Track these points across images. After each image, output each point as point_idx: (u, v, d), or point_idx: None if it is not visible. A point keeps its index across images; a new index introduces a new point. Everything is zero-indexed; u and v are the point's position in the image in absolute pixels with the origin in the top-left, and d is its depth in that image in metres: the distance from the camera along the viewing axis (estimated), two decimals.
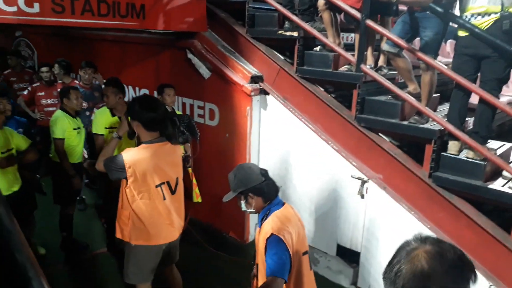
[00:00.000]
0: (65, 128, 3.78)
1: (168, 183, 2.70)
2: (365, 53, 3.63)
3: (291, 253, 2.01)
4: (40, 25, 3.63)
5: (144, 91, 5.24)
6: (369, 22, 3.33)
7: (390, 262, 1.11)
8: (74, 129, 3.86)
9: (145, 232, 2.66)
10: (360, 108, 3.51)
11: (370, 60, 3.73)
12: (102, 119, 3.81)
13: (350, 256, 3.80)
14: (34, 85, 5.54)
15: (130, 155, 2.56)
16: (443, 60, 4.38)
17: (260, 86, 4.11)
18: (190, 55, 4.42)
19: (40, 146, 4.04)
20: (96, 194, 5.21)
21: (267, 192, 2.15)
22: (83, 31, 5.65)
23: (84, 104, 4.47)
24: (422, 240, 1.10)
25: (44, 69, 5.44)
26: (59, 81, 5.40)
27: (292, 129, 3.98)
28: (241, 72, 4.12)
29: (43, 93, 5.34)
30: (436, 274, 1.02)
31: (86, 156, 4.49)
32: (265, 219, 2.14)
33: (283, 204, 2.21)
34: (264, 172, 2.20)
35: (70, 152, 3.88)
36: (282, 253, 1.98)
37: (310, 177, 3.94)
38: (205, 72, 4.36)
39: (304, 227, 2.29)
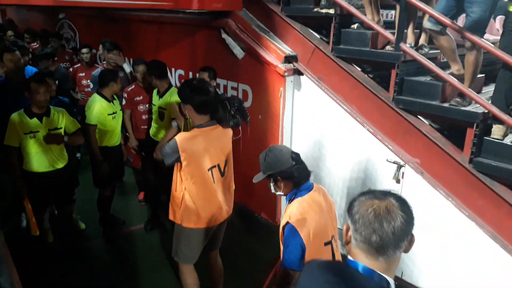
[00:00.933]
0: (100, 114, 3.78)
1: (218, 166, 2.72)
2: (406, 31, 3.45)
3: (305, 242, 1.96)
4: (80, 7, 3.71)
5: (179, 72, 5.28)
6: None
7: None
8: (110, 114, 3.86)
9: (196, 214, 2.70)
10: (399, 89, 3.36)
11: (410, 38, 3.55)
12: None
13: None
14: (75, 66, 5.73)
15: (183, 140, 2.59)
16: (491, 38, 4.09)
17: (294, 66, 4.02)
18: (224, 35, 4.39)
19: (81, 126, 4.16)
20: (133, 170, 5.37)
21: (297, 177, 2.10)
22: (122, 12, 5.74)
23: None
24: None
25: (84, 50, 5.60)
26: (103, 62, 5.52)
27: (326, 110, 3.88)
28: (275, 52, 4.05)
29: (83, 74, 5.50)
30: None
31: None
32: (289, 203, 2.11)
33: (311, 189, 2.14)
34: (295, 156, 2.15)
35: (107, 136, 3.91)
36: (295, 244, 1.95)
37: (344, 160, 3.85)
38: (239, 52, 4.33)
39: (333, 214, 2.23)
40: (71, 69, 5.60)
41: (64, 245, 3.89)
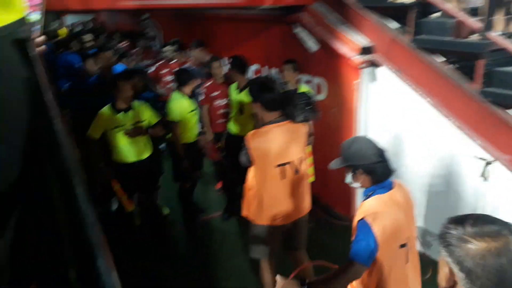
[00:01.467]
0: (181, 111, 3.95)
1: (291, 162, 2.70)
2: (494, 18, 3.16)
3: (378, 240, 1.87)
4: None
5: (255, 66, 5.39)
6: None
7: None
8: (189, 112, 4.03)
9: (266, 211, 2.73)
10: (487, 80, 3.10)
11: (500, 25, 3.24)
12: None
13: None
14: (158, 63, 6.11)
15: (253, 136, 2.65)
16: None
17: (370, 58, 3.90)
18: (297, 29, 4.39)
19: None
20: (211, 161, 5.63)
21: (378, 174, 1.99)
22: (200, 11, 6.00)
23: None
24: None
25: (167, 48, 5.98)
26: (175, 60, 5.83)
27: (406, 103, 3.71)
28: (350, 44, 3.96)
29: (166, 70, 5.85)
30: None
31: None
32: (367, 199, 2.03)
33: (392, 188, 2.03)
34: (380, 152, 2.02)
35: (187, 133, 4.09)
36: (367, 240, 1.87)
37: (426, 155, 3.66)
38: (312, 45, 4.30)
39: (412, 215, 2.10)
40: (154, 67, 5.96)
41: (149, 228, 4.21)
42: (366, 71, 3.95)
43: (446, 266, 1.02)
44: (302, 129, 2.79)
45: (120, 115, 3.62)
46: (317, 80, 4.47)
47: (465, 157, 3.32)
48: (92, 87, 4.53)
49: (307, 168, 2.88)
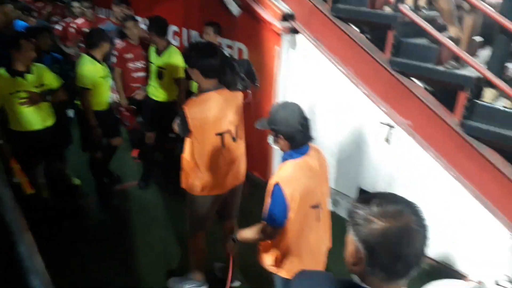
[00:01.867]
0: (92, 76, 3.63)
1: (229, 131, 2.66)
2: None
3: (289, 204, 2.00)
4: None
5: (173, 28, 5.18)
6: None
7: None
8: (101, 77, 3.73)
9: (207, 181, 2.67)
10: (395, 51, 3.36)
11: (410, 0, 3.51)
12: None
13: None
14: (66, 19, 5.58)
15: (191, 106, 2.53)
16: (494, 1, 4.05)
17: (291, 25, 3.97)
18: None
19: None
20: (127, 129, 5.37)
21: (297, 141, 2.07)
22: None
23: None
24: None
25: (75, 3, 5.47)
26: (81, 16, 5.37)
27: (322, 70, 3.88)
28: (272, 10, 3.98)
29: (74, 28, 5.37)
30: None
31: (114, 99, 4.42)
32: (283, 163, 2.13)
33: (307, 153, 2.12)
34: (304, 121, 2.08)
35: (98, 99, 3.77)
36: (279, 203, 1.99)
37: (337, 121, 3.90)
38: (234, 9, 4.24)
39: (325, 177, 2.25)
40: (63, 23, 5.44)
41: (60, 201, 3.94)
42: (286, 38, 4.02)
43: (352, 243, 1.07)
44: (239, 97, 2.72)
45: (18, 79, 3.25)
46: (238, 45, 4.45)
47: (372, 123, 3.60)
48: None
49: (243, 135, 2.83)
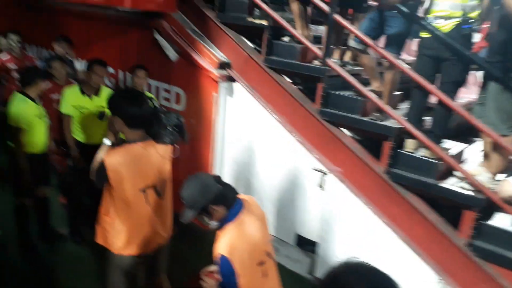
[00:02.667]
0: (26, 116, 3.41)
1: (154, 186, 2.48)
2: (332, 47, 3.64)
3: (239, 272, 1.94)
4: None
5: (109, 70, 5.08)
6: (337, 17, 3.33)
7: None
8: (37, 116, 3.51)
9: (127, 240, 2.47)
10: (324, 102, 3.53)
11: (336, 54, 3.75)
12: (69, 97, 3.71)
13: (308, 246, 3.90)
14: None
15: (112, 158, 2.32)
16: (409, 59, 4.44)
17: (228, 73, 4.06)
18: (157, 36, 4.31)
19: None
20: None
21: (229, 198, 2.02)
22: (49, 2, 5.40)
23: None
24: None
25: (1, 39, 5.24)
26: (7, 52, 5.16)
27: (257, 118, 3.97)
28: (209, 57, 4.06)
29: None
30: None
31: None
32: (221, 230, 2.04)
33: (241, 209, 2.06)
34: (218, 179, 2.05)
35: (33, 142, 3.53)
36: (229, 275, 1.92)
37: (273, 167, 3.97)
38: (172, 54, 4.27)
39: (266, 227, 2.20)
40: None
41: None
42: (223, 85, 4.10)
43: None
44: (167, 149, 2.56)
45: None
46: (175, 89, 4.45)
47: (306, 170, 3.70)
48: None
49: (171, 190, 2.68)
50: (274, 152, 3.92)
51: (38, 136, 3.60)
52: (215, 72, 3.99)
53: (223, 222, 2.03)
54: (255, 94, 3.92)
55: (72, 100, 3.76)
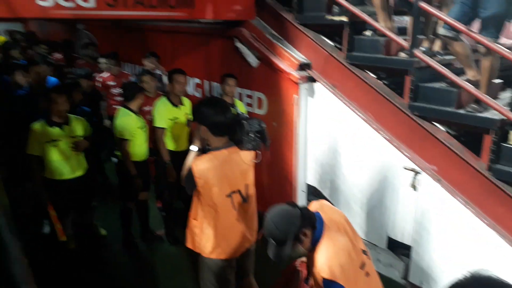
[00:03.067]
0: (129, 128, 3.76)
1: (239, 191, 2.55)
2: (420, 37, 3.42)
3: (347, 285, 1.89)
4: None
5: (196, 80, 5.36)
6: (423, 4, 3.13)
7: None
8: (139, 127, 3.85)
9: (216, 244, 2.54)
10: (413, 95, 3.33)
11: (425, 44, 3.52)
12: (165, 111, 3.94)
13: (401, 249, 3.69)
14: (104, 75, 5.85)
15: (199, 165, 2.42)
16: (509, 42, 4.02)
17: (308, 74, 4.03)
18: (238, 44, 4.44)
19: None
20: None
21: (311, 217, 2.00)
22: (139, 23, 5.88)
23: None
24: None
25: (102, 60, 5.78)
26: (107, 71, 5.67)
27: (341, 117, 3.87)
28: (289, 60, 4.07)
29: (114, 83, 5.62)
30: None
31: None
32: (314, 250, 2.02)
33: (322, 224, 2.03)
34: (292, 204, 2.05)
35: (136, 151, 3.87)
36: None
37: (360, 167, 3.83)
38: (253, 60, 4.37)
39: (351, 227, 2.16)
40: (100, 78, 5.72)
41: (85, 251, 3.97)
42: (304, 86, 4.07)
43: None
44: (250, 155, 2.62)
45: (55, 129, 3.46)
46: (257, 94, 4.54)
47: (396, 169, 3.50)
48: (22, 99, 4.26)
49: (254, 194, 2.71)
50: (360, 151, 3.78)
51: (140, 146, 3.93)
52: (295, 74, 3.99)
53: (314, 243, 2.01)
54: (337, 93, 3.84)
55: (167, 114, 3.99)
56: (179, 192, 4.26)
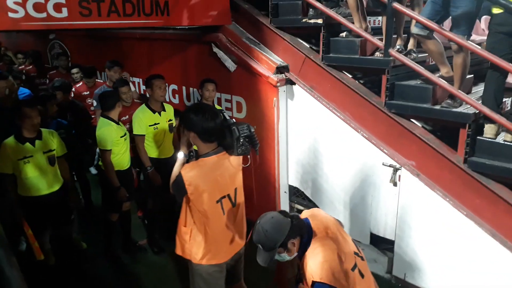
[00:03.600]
0: (111, 137, 3.68)
1: (228, 196, 2.55)
2: (394, 36, 3.52)
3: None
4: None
5: (173, 87, 5.32)
6: (396, 5, 3.22)
7: None
8: (121, 136, 3.78)
9: (207, 250, 2.53)
10: (390, 93, 3.41)
11: (399, 43, 3.61)
12: (145, 118, 3.90)
13: (384, 245, 3.76)
14: (77, 85, 5.72)
15: (189, 172, 2.40)
16: (478, 39, 4.17)
17: (286, 76, 4.08)
18: (215, 49, 4.44)
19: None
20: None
21: (301, 226, 2.06)
22: (113, 31, 5.79)
23: None
24: None
25: (74, 70, 5.69)
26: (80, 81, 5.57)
27: (320, 118, 3.93)
28: (266, 63, 4.10)
29: (87, 93, 5.51)
30: None
31: None
32: (303, 259, 2.08)
33: (312, 233, 2.11)
34: (284, 212, 2.10)
35: (118, 160, 3.81)
36: None
37: (341, 166, 3.89)
38: (230, 65, 4.38)
39: (343, 232, 2.23)
40: (73, 89, 5.58)
41: (66, 266, 3.86)
42: (283, 89, 4.11)
43: None
44: (239, 161, 2.62)
45: (27, 145, 3.33)
46: (236, 98, 4.55)
47: (376, 166, 3.58)
48: None
49: (243, 199, 2.72)
50: (340, 150, 3.85)
51: (122, 155, 3.85)
52: (273, 77, 4.02)
53: (302, 251, 2.08)
54: (316, 94, 3.89)
55: (147, 121, 3.93)
56: (162, 200, 4.23)
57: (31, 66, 7.11)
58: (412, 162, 3.35)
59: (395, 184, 3.48)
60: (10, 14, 2.96)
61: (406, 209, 3.46)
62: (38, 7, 3.06)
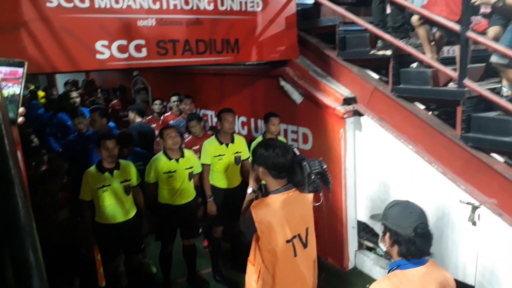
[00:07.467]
0: (157, 171, 3.80)
1: (299, 236, 2.41)
2: (468, 66, 3.33)
3: None
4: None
5: (242, 119, 5.49)
6: (471, 34, 3.06)
7: None
8: (170, 171, 3.84)
9: None
10: (466, 126, 3.20)
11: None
12: (210, 149, 4.06)
13: None
14: (147, 118, 6.19)
15: (259, 209, 2.31)
16: None
17: (354, 108, 4.02)
18: (282, 83, 4.53)
19: None
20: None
21: (407, 249, 1.85)
22: (188, 67, 6.20)
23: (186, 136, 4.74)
24: None
25: (157, 102, 6.16)
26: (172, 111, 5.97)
27: (391, 150, 3.78)
28: (333, 95, 4.09)
29: (154, 125, 5.91)
30: None
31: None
32: (390, 272, 1.92)
33: (422, 264, 1.88)
34: (422, 226, 1.88)
35: (176, 194, 3.91)
36: None
37: (414, 201, 3.66)
38: (297, 97, 4.43)
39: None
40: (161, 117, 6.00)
41: None
42: (350, 120, 4.05)
43: None
44: (310, 199, 2.49)
45: (106, 175, 3.59)
46: (302, 130, 4.56)
47: (451, 203, 3.33)
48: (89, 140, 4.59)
49: (314, 239, 2.55)
50: (412, 185, 3.65)
51: (178, 189, 3.95)
52: (340, 109, 3.98)
53: (394, 264, 1.91)
54: (386, 126, 3.77)
55: (212, 151, 4.09)
56: (225, 230, 4.29)
57: (116, 101, 7.80)
58: (493, 200, 3.07)
59: (474, 224, 3.19)
60: (98, 56, 3.30)
61: (487, 252, 3.15)
62: (121, 49, 3.38)
